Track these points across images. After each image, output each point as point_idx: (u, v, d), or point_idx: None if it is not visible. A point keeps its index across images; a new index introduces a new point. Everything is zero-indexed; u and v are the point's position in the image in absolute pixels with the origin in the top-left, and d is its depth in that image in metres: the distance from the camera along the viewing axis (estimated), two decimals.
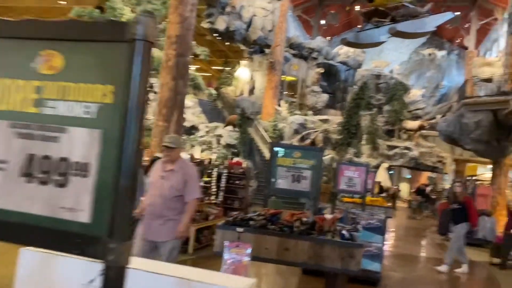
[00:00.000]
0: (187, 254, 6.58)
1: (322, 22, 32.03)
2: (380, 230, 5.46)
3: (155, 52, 18.70)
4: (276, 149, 4.08)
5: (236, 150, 17.29)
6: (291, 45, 25.92)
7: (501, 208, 15.99)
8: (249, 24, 21.01)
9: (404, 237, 11.93)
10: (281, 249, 3.20)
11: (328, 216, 3.46)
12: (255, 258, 3.33)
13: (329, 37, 33.77)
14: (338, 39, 33.77)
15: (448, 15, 16.79)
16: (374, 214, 5.54)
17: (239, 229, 3.29)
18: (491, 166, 17.60)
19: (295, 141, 19.49)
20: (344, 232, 3.38)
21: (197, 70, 36.16)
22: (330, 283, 3.60)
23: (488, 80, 23.72)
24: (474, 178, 11.65)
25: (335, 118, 22.78)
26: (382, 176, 22.91)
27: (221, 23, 19.64)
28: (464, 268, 7.43)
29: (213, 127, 20.86)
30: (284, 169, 4.02)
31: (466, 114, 16.46)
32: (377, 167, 23.29)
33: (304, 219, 3.46)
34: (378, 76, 26.30)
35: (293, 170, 3.98)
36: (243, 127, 17.30)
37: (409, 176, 33.09)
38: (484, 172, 23.10)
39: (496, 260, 8.12)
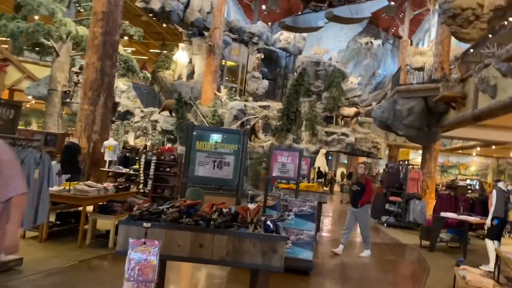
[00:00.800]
0: (108, 248, 6.01)
1: (264, 7, 31.69)
2: (312, 217, 5.23)
3: (82, 30, 17.36)
4: (194, 132, 3.61)
5: (173, 137, 16.57)
6: (231, 29, 25.35)
7: (431, 191, 16.76)
8: (186, 5, 20.15)
9: (338, 222, 12.03)
10: (196, 245, 2.80)
11: (252, 205, 3.09)
12: (166, 257, 2.90)
13: (270, 23, 33.58)
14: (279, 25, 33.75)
15: (383, 2, 17.10)
16: (307, 201, 5.31)
17: (146, 224, 2.83)
18: (421, 151, 18.40)
19: (235, 127, 19.11)
20: (269, 223, 3.04)
21: (134, 53, 34.54)
22: (254, 280, 3.27)
23: (420, 69, 24.76)
24: (406, 162, 11.98)
25: (276, 104, 22.67)
26: (320, 162, 23.27)
27: (155, 3, 18.64)
28: (367, 252, 7.46)
29: (148, 112, 19.92)
30: (204, 155, 3.59)
31: (399, 101, 16.95)
32: (316, 152, 23.63)
33: (225, 210, 3.07)
34: (317, 63, 26.50)
35: (214, 156, 3.56)
36: (180, 112, 16.60)
37: (346, 162, 34.07)
38: (416, 157, 24.23)
39: (426, 243, 8.34)
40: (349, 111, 24.52)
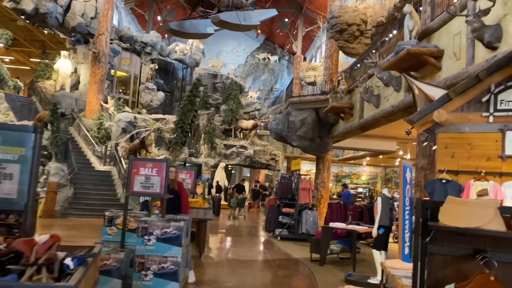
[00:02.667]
0: None
1: (159, 18, 30.46)
2: (179, 240, 4.32)
3: None
4: None
5: (46, 152, 14.51)
6: (122, 38, 23.70)
7: (325, 201, 16.94)
8: (66, 8, 18.17)
9: (228, 238, 11.29)
10: None
11: (42, 238, 2.10)
12: None
13: (167, 35, 32.46)
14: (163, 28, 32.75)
15: (272, 12, 17.12)
16: (171, 221, 4.39)
17: None
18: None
19: (123, 141, 17.53)
20: (68, 262, 2.06)
21: (13, 62, 30.74)
22: None
23: (313, 83, 25.56)
24: (298, 172, 11.75)
25: (172, 117, 21.50)
26: (220, 175, 22.55)
27: (27, 3, 16.45)
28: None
29: None
30: None
31: (293, 113, 16.99)
32: (215, 166, 22.86)
33: (2, 246, 2.03)
34: (215, 76, 25.99)
35: None
36: (56, 125, 14.62)
37: (249, 175, 33.88)
38: (313, 168, 24.73)
39: (316, 256, 7.93)
40: (247, 123, 24.30)
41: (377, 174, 34.72)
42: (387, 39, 13.18)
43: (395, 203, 6.70)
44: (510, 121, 5.14)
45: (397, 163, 30.93)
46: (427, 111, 5.69)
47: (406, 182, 5.73)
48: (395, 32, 12.87)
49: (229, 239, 11.29)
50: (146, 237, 4.31)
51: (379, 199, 6.26)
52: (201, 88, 23.26)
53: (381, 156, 25.37)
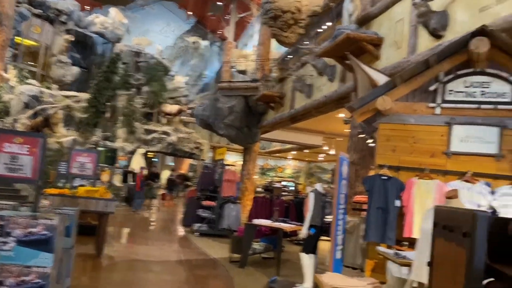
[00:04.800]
0: None
1: None
2: (49, 244, 3.14)
3: None
4: None
5: None
6: (33, 3, 20.89)
7: (249, 193, 16.22)
8: None
9: (138, 234, 10.05)
10: None
11: None
12: None
13: (89, 7, 29.72)
14: (104, 9, 30.02)
15: None
16: (40, 218, 3.19)
17: None
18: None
19: (24, 117, 15.29)
20: None
21: None
22: None
23: (244, 72, 24.76)
24: (222, 162, 10.81)
25: (87, 95, 19.37)
26: (137, 162, 20.89)
27: None
28: None
29: None
30: None
31: (221, 99, 16.00)
32: (133, 152, 21.15)
33: None
34: (138, 54, 24.04)
35: None
36: None
37: (172, 164, 32.26)
38: (238, 159, 23.96)
39: (237, 256, 7.05)
40: (171, 108, 22.84)
41: (301, 168, 35.00)
42: (321, 30, 12.69)
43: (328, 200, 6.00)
44: (458, 114, 4.62)
45: (321, 158, 31.36)
46: (370, 97, 5.01)
47: (342, 176, 5.02)
48: (329, 24, 12.41)
49: (139, 234, 10.04)
50: (1, 238, 3.07)
51: (311, 195, 5.51)
52: (122, 66, 21.34)
53: (306, 151, 25.34)
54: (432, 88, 4.76)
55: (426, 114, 4.78)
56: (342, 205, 5.04)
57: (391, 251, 3.69)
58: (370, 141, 7.04)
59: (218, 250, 8.18)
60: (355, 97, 5.94)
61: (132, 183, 16.32)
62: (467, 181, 4.35)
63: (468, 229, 1.46)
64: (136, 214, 13.78)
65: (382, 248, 4.06)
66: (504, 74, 4.43)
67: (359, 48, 7.77)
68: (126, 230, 10.57)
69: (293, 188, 21.30)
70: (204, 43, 36.64)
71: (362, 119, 5.19)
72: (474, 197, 4.23)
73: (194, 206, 10.26)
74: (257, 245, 7.28)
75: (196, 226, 9.93)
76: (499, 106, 4.45)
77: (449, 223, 1.66)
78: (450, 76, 4.70)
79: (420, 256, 2.62)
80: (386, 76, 5.59)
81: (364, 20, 8.17)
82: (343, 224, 5.07)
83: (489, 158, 4.46)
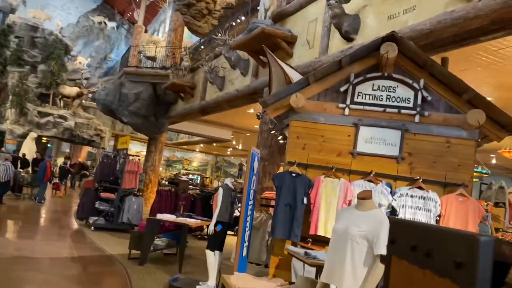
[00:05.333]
0: None
1: None
2: None
3: None
4: None
5: None
6: None
7: (153, 185, 15.57)
8: None
9: (24, 227, 9.02)
10: None
11: None
12: None
13: None
14: None
15: None
16: None
17: None
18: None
19: None
20: None
21: None
22: None
23: (153, 58, 23.69)
24: (125, 152, 10.10)
25: None
26: (28, 148, 18.86)
27: None
28: None
29: None
30: None
31: (127, 84, 15.10)
32: (24, 136, 19.08)
33: None
34: (35, 29, 21.66)
35: None
36: None
37: (68, 150, 29.79)
38: (143, 150, 22.90)
39: (136, 253, 6.58)
40: (70, 90, 21.05)
41: (208, 161, 34.77)
42: (234, 24, 12.57)
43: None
44: (365, 115, 4.76)
45: (228, 152, 31.47)
46: (283, 94, 4.96)
47: (253, 171, 4.91)
48: (243, 18, 12.34)
49: (25, 227, 8.98)
50: None
51: (220, 190, 5.31)
52: (15, 40, 19.10)
53: (214, 144, 25.17)
54: (342, 89, 4.85)
55: (335, 114, 4.86)
56: (252, 201, 4.94)
57: (301, 251, 3.65)
58: (280, 137, 7.08)
59: (116, 246, 7.61)
60: (269, 92, 5.87)
61: (20, 170, 14.63)
62: (370, 181, 4.50)
63: (464, 259, 1.07)
64: (28, 204, 12.39)
65: (291, 247, 4.02)
66: (409, 80, 4.65)
67: (273, 44, 7.76)
68: (10, 222, 9.40)
69: (199, 182, 21.02)
70: (111, 24, 34.44)
71: (274, 115, 5.12)
72: (376, 197, 4.38)
73: (91, 197, 9.46)
74: (159, 241, 6.90)
75: (92, 219, 9.17)
76: (402, 111, 4.66)
77: (423, 243, 1.25)
78: (360, 79, 4.83)
79: (333, 257, 2.56)
80: (299, 74, 5.60)
81: (279, 17, 8.20)
82: (251, 220, 4.97)
83: (390, 160, 4.66)
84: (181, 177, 15.50)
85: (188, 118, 14.80)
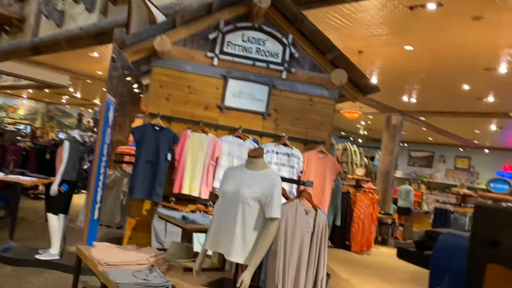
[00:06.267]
0: None
1: None
2: None
3: None
4: None
5: None
6: None
7: None
8: None
9: None
10: None
11: None
12: None
13: None
14: None
15: None
16: None
17: None
18: None
19: None
20: None
21: None
22: None
23: None
24: None
25: None
26: None
27: None
28: None
29: None
30: None
31: None
32: None
33: None
34: None
35: None
36: None
37: None
38: None
39: None
40: None
41: (37, 109, 30.58)
42: None
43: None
44: (234, 67, 4.53)
45: (64, 101, 28.09)
46: (146, 34, 4.35)
47: (107, 123, 4.28)
48: None
49: None
50: None
51: (66, 144, 4.48)
52: None
53: (47, 90, 22.05)
54: (212, 36, 4.49)
55: (204, 63, 4.50)
56: (105, 157, 4.32)
57: (177, 214, 3.28)
58: (135, 86, 6.39)
59: None
60: (126, 32, 5.12)
61: None
62: (238, 136, 4.35)
63: None
64: None
65: (164, 210, 3.63)
66: (278, 35, 4.54)
67: None
68: None
69: (29, 132, 18.28)
70: None
71: (134, 59, 4.49)
72: (243, 153, 4.27)
73: None
74: None
75: None
76: (271, 66, 4.56)
77: None
78: (230, 27, 4.53)
79: (220, 222, 2.29)
80: (163, 15, 5.00)
81: None
82: (104, 179, 4.37)
83: (257, 116, 4.57)
84: (7, 126, 13.20)
85: (14, 56, 12.46)
